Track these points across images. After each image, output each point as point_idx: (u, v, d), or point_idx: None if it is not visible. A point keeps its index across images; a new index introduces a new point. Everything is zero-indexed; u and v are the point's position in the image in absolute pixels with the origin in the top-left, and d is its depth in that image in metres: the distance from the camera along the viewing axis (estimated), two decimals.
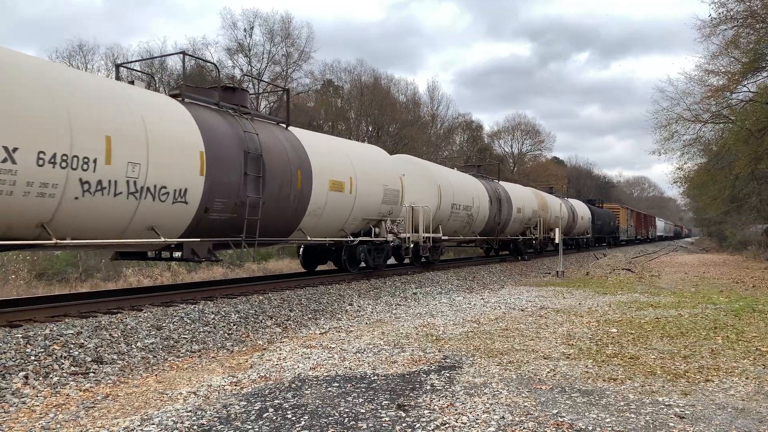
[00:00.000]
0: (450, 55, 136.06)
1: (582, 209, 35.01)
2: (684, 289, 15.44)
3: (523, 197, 24.52)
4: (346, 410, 4.87)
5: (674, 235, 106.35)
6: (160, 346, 7.25)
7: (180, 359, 7.10)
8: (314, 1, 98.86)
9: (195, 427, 4.50)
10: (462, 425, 4.47)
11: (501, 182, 23.84)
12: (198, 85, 13.95)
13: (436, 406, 4.96)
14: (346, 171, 12.73)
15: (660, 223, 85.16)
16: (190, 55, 15.45)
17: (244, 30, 40.79)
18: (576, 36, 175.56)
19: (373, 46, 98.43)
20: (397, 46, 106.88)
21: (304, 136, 12.12)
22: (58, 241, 7.30)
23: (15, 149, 6.49)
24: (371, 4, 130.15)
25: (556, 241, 22.31)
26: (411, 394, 5.34)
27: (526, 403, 5.04)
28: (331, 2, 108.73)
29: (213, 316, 8.64)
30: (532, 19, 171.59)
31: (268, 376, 6.12)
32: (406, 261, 17.90)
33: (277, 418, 4.68)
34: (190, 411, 4.90)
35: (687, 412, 4.83)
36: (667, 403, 5.08)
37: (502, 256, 25.27)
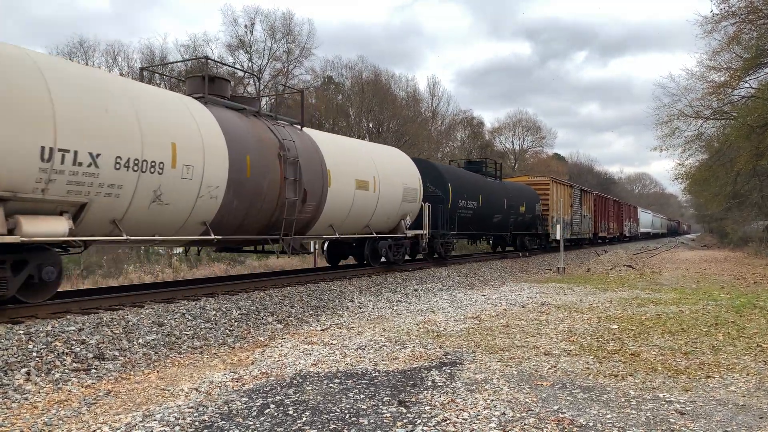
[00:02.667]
0: (450, 54, 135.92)
1: (385, 168, 14.63)
2: (685, 285, 15.44)
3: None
4: (348, 406, 4.88)
5: (668, 232, 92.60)
6: (162, 343, 7.26)
7: (181, 355, 7.12)
8: (317, 4, 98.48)
9: (196, 423, 4.51)
10: (463, 421, 4.48)
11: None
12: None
13: (437, 402, 4.97)
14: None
15: (645, 216, 68.04)
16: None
17: (245, 26, 40.73)
18: (574, 35, 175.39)
19: (375, 47, 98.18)
20: (398, 46, 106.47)
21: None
22: None
23: None
24: (374, 6, 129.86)
25: (558, 237, 20.26)
26: (412, 390, 5.35)
27: (527, 399, 5.05)
28: (334, 5, 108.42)
29: (214, 312, 8.65)
30: (531, 19, 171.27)
31: (269, 372, 6.13)
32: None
33: (278, 414, 4.69)
34: (192, 407, 4.91)
35: (688, 408, 4.84)
36: (668, 399, 5.08)
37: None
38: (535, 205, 26.11)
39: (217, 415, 4.71)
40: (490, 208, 21.39)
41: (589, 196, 35.91)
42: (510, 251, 25.84)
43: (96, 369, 6.19)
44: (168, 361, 6.85)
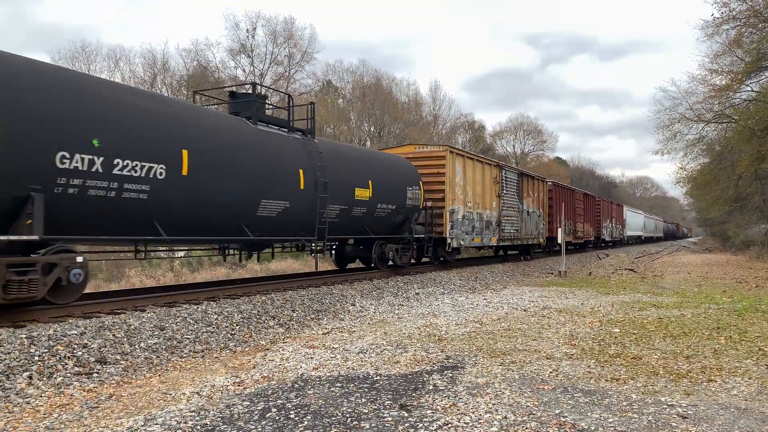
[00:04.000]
0: (451, 59, 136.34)
1: None
2: (687, 289, 15.42)
3: None
4: (349, 410, 4.88)
5: (665, 236, 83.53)
6: (164, 347, 7.26)
7: (183, 359, 7.12)
8: (319, 9, 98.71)
9: (198, 427, 4.52)
10: (465, 425, 4.48)
11: None
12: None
13: (438, 406, 4.96)
14: None
15: (634, 217, 56.45)
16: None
17: (247, 31, 40.84)
18: (574, 40, 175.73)
19: (377, 53, 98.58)
20: (399, 52, 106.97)
21: None
22: None
23: None
24: (376, 11, 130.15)
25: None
26: (414, 394, 5.34)
27: (528, 403, 5.05)
28: (335, 11, 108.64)
29: (216, 316, 8.65)
30: (531, 24, 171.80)
31: (270, 376, 6.13)
32: None
33: (280, 419, 4.70)
34: (194, 411, 4.91)
35: (690, 412, 4.83)
36: (669, 403, 5.08)
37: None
38: (405, 191, 14.80)
39: (219, 418, 4.71)
40: (243, 184, 9.95)
41: (538, 184, 25.22)
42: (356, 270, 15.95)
43: (98, 373, 6.20)
44: (170, 365, 6.86)
